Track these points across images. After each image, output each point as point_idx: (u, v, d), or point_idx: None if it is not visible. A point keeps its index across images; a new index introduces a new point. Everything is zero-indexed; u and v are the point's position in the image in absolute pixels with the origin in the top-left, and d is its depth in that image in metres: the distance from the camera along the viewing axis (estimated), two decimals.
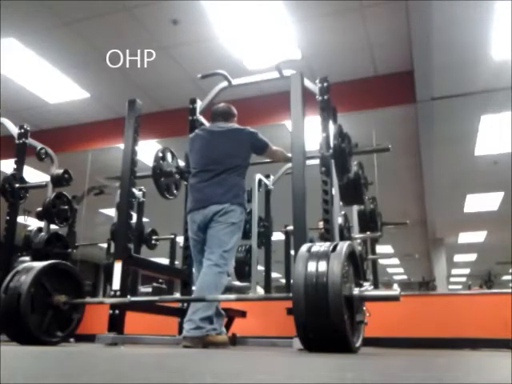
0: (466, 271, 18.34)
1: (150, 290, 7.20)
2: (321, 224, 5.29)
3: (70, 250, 4.79)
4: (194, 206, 3.18)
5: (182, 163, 3.99)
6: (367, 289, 2.29)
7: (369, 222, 5.39)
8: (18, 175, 4.77)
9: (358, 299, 2.18)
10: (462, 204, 9.54)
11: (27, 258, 4.65)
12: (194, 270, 3.34)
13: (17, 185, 4.72)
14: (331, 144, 3.29)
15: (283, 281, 7.66)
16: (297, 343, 2.56)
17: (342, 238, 3.99)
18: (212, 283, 2.91)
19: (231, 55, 5.20)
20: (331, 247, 2.13)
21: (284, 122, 5.84)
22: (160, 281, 7.83)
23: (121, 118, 4.01)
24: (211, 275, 2.93)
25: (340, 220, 4.17)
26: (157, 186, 3.63)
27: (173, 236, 7.00)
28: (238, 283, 4.87)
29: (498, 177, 7.78)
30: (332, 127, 3.47)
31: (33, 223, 5.88)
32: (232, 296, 3.18)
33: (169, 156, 3.79)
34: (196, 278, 3.12)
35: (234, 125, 3.36)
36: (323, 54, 5.22)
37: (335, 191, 3.64)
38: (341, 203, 4.06)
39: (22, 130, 4.91)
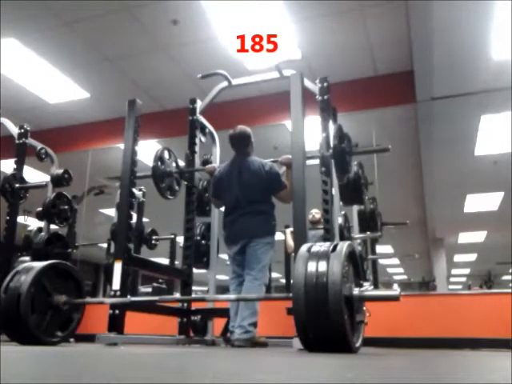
0: (466, 271, 18.33)
1: (150, 289, 7.21)
2: (310, 216, 5.28)
3: (70, 250, 4.79)
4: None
5: (181, 163, 4.00)
6: (367, 289, 2.29)
7: (369, 221, 5.38)
8: (18, 175, 4.77)
9: (358, 299, 2.18)
10: (462, 204, 9.53)
11: (27, 258, 4.65)
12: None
13: (17, 185, 4.72)
14: (331, 144, 3.29)
15: (283, 281, 7.66)
16: (297, 343, 2.56)
17: (342, 238, 3.99)
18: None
19: (231, 55, 5.20)
20: (331, 247, 2.13)
21: (284, 122, 5.84)
22: (160, 281, 7.83)
23: (121, 118, 4.01)
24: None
25: (340, 220, 4.17)
26: (157, 186, 3.64)
27: (173, 236, 6.99)
28: None
29: (498, 177, 7.78)
30: (332, 127, 3.46)
31: (33, 223, 5.88)
32: (232, 296, 3.19)
33: (169, 156, 3.79)
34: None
35: (258, 163, 3.44)
36: (323, 53, 5.22)
37: (335, 191, 3.64)
38: (341, 203, 4.05)
39: (22, 130, 4.91)
